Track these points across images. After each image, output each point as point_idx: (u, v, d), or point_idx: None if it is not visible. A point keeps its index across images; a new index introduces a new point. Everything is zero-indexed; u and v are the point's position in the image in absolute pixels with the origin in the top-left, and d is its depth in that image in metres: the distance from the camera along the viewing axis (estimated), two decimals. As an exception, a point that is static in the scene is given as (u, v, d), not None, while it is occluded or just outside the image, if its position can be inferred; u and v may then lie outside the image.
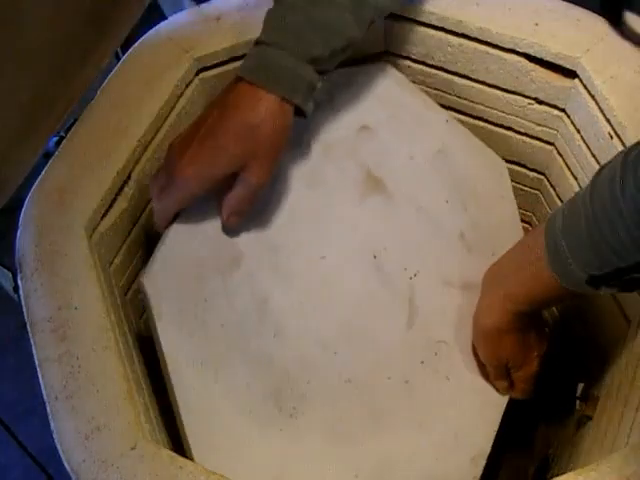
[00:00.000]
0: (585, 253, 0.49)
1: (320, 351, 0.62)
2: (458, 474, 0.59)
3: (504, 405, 0.63)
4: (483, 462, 0.60)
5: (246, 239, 0.63)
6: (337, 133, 0.72)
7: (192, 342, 0.58)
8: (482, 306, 0.63)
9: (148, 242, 0.69)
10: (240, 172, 0.57)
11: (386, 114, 0.74)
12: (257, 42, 0.57)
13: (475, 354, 0.65)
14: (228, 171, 0.56)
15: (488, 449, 0.60)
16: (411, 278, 0.67)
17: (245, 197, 0.58)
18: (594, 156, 0.65)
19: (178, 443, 0.57)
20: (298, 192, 0.67)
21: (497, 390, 0.64)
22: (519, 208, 0.78)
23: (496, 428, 0.62)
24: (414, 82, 0.77)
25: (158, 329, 0.57)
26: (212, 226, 0.62)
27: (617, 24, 0.27)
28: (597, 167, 0.50)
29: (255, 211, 0.63)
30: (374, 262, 0.67)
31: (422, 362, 0.64)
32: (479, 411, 0.62)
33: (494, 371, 0.63)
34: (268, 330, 0.61)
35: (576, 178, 0.70)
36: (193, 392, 0.57)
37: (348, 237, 0.67)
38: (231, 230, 0.62)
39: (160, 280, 0.59)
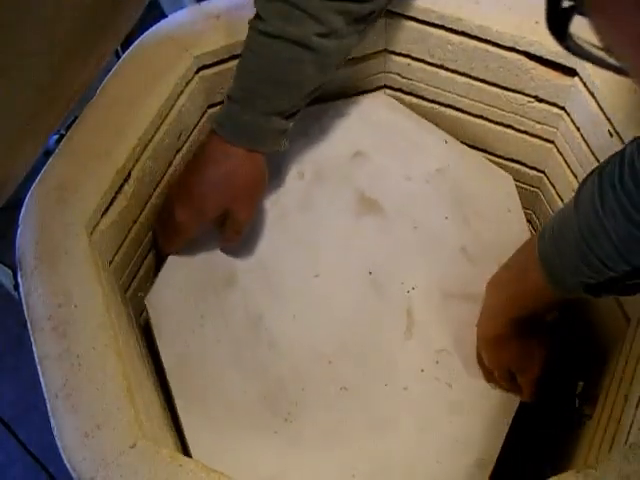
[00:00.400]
0: (576, 265, 0.51)
1: (314, 361, 0.64)
2: (463, 478, 0.59)
3: (513, 410, 0.63)
4: (490, 466, 0.59)
5: (241, 261, 0.69)
6: (331, 159, 0.75)
7: (190, 356, 0.63)
8: (484, 314, 0.65)
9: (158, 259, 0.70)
10: (227, 211, 0.64)
11: (381, 140, 0.76)
12: (228, 96, 0.62)
13: (480, 361, 0.65)
14: (214, 215, 0.64)
15: (495, 453, 0.60)
16: (408, 292, 0.68)
17: (234, 231, 0.67)
18: (594, 154, 0.65)
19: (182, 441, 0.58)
20: (291, 215, 0.71)
21: (507, 392, 0.65)
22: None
23: (504, 433, 0.61)
24: (414, 80, 0.77)
25: (158, 344, 0.63)
26: (209, 250, 0.69)
27: (562, 40, 0.27)
28: (597, 165, 0.50)
29: (250, 235, 0.69)
30: (369, 278, 0.69)
31: (422, 370, 0.64)
32: (485, 416, 0.62)
33: (499, 376, 0.64)
34: (262, 343, 0.65)
35: (576, 176, 0.70)
36: (191, 400, 0.61)
37: (342, 256, 0.70)
38: (227, 253, 0.69)
39: (161, 300, 0.65)
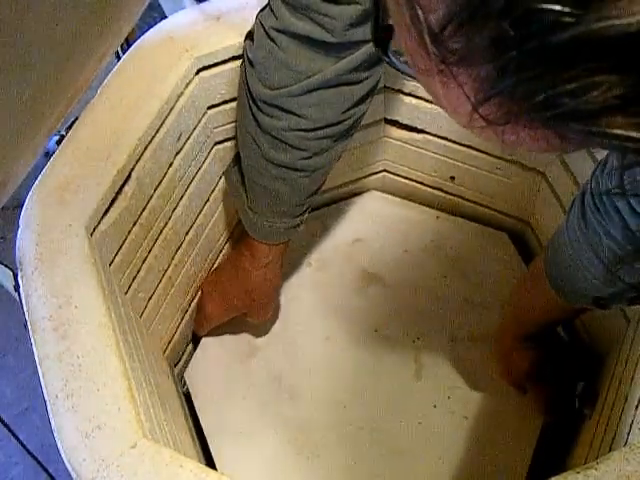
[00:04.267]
0: (582, 285, 0.54)
1: (331, 407, 0.71)
2: None
3: (535, 435, 0.67)
4: None
5: (260, 336, 0.80)
6: (334, 248, 0.84)
7: (222, 413, 0.73)
8: (499, 336, 0.69)
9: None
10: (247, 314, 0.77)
11: (378, 226, 0.85)
12: (249, 207, 0.70)
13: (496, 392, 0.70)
14: (234, 315, 0.77)
15: (522, 473, 0.63)
16: (414, 341, 0.73)
17: (253, 326, 0.79)
18: (592, 155, 0.65)
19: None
20: (301, 295, 0.81)
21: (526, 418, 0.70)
22: (518, 207, 0.79)
23: (528, 457, 0.64)
24: (413, 81, 0.77)
25: (197, 409, 0.73)
26: (234, 331, 0.80)
27: (385, 54, 0.29)
28: (594, 166, 0.50)
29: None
30: (375, 335, 0.76)
31: (435, 406, 0.68)
32: (506, 444, 0.66)
33: (515, 385, 0.69)
34: (283, 397, 0.73)
35: (575, 177, 0.70)
36: (225, 445, 0.70)
37: (348, 320, 0.77)
38: (248, 331, 0.81)
39: (197, 374, 0.76)
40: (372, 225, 0.85)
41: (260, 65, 0.60)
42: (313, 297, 0.80)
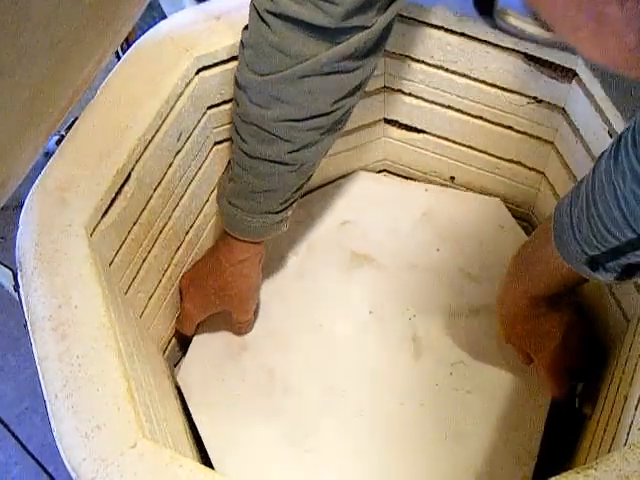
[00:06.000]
0: (584, 231, 0.50)
1: (328, 394, 0.68)
2: (503, 476, 0.60)
3: (546, 404, 0.64)
4: (531, 462, 0.60)
5: (250, 332, 0.77)
6: (320, 234, 0.81)
7: (215, 409, 0.71)
8: (502, 288, 0.65)
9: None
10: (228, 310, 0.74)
11: (365, 207, 0.82)
12: (228, 200, 0.68)
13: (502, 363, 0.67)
14: (214, 311, 0.75)
15: (534, 449, 0.61)
16: (410, 319, 0.71)
17: (237, 326, 0.75)
18: (592, 155, 0.65)
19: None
20: (289, 284, 0.78)
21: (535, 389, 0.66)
22: (518, 207, 0.78)
23: (540, 428, 0.62)
24: (414, 81, 0.77)
25: (190, 408, 0.71)
26: (225, 328, 0.76)
27: (491, 18, 0.28)
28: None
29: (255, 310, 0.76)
30: (370, 317, 0.73)
31: (437, 384, 0.66)
32: (515, 415, 0.63)
33: (517, 350, 0.64)
34: (277, 391, 0.70)
35: (575, 177, 0.70)
36: (219, 440, 0.69)
37: (341, 305, 0.75)
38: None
39: (189, 374, 0.74)
40: (359, 205, 0.83)
41: (251, 49, 0.60)
42: (302, 286, 0.78)
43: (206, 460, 0.68)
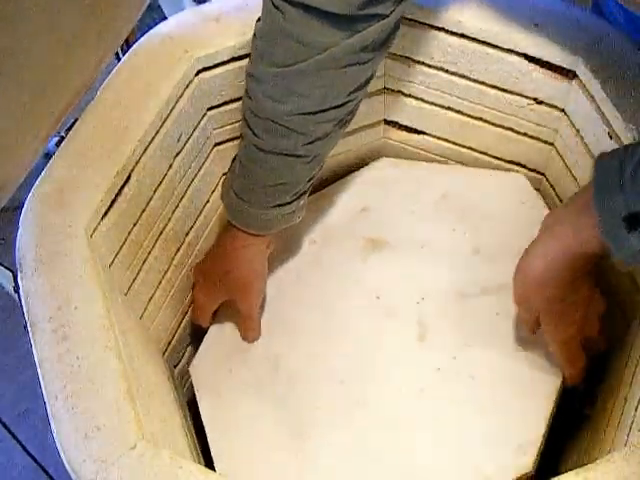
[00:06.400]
0: (628, 185, 0.46)
1: (327, 384, 0.67)
2: (504, 467, 0.57)
3: (553, 391, 0.60)
4: (533, 450, 0.57)
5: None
6: (338, 222, 0.79)
7: (221, 398, 0.70)
8: (532, 248, 0.58)
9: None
10: (234, 301, 0.73)
11: (385, 192, 0.80)
12: (234, 191, 0.67)
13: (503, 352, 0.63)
14: (221, 299, 0.74)
15: (537, 437, 0.58)
16: (418, 303, 0.69)
17: (243, 320, 0.74)
18: (593, 156, 0.65)
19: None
20: (304, 272, 0.77)
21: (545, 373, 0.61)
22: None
23: (546, 414, 0.58)
24: (414, 83, 0.77)
25: (197, 398, 0.71)
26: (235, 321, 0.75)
27: None
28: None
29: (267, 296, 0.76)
30: (377, 302, 0.71)
31: (438, 369, 0.64)
32: (520, 401, 0.60)
33: (523, 315, 0.59)
34: (281, 379, 0.69)
35: (575, 178, 0.70)
36: (220, 431, 0.68)
37: (351, 291, 0.73)
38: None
39: (200, 364, 0.74)
40: (380, 191, 0.80)
41: (265, 40, 0.59)
42: (316, 274, 0.76)
43: (207, 461, 0.68)
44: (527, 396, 0.61)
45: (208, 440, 0.67)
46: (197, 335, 0.80)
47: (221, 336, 0.76)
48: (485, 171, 0.78)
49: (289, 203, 0.67)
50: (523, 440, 0.59)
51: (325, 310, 0.73)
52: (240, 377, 0.71)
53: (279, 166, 0.64)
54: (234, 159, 0.69)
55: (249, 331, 0.74)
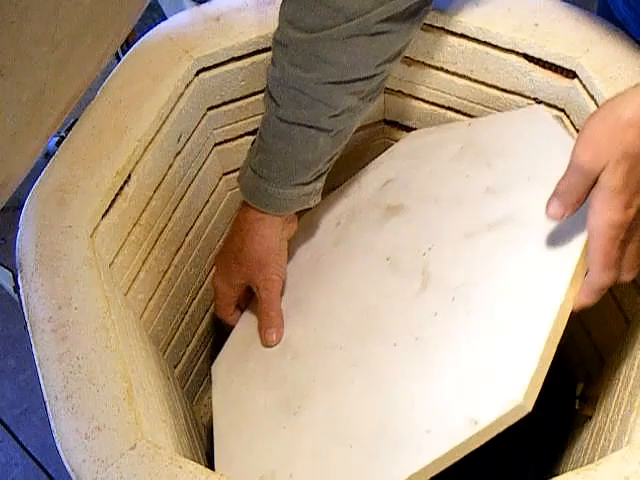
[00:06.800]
0: None
1: (326, 353, 0.64)
2: (495, 403, 0.49)
3: (553, 318, 0.52)
4: (526, 382, 0.49)
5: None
6: (362, 197, 0.77)
7: (233, 390, 0.69)
8: (632, 90, 0.47)
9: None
10: (253, 287, 0.70)
11: (409, 162, 0.76)
12: (251, 168, 0.66)
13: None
14: (239, 284, 0.71)
15: (528, 374, 0.49)
16: (425, 254, 0.64)
17: (263, 310, 0.69)
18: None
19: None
20: (325, 252, 0.74)
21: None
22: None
23: (541, 346, 0.50)
24: (414, 82, 0.77)
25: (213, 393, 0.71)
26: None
27: None
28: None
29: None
30: (386, 263, 0.67)
31: (435, 314, 0.59)
32: (517, 334, 0.53)
33: (572, 176, 0.47)
34: (287, 356, 0.67)
35: (576, 178, 0.70)
36: (225, 413, 0.68)
37: (363, 259, 0.70)
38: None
39: (220, 366, 0.73)
40: (404, 161, 0.77)
41: (294, 3, 0.58)
42: (336, 254, 0.73)
43: (208, 461, 0.68)
44: (523, 327, 0.53)
45: (214, 434, 0.66)
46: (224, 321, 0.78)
47: (245, 334, 0.74)
48: (505, 114, 0.72)
49: (308, 183, 0.66)
50: (516, 373, 0.50)
51: (335, 286, 0.70)
52: (253, 365, 0.69)
53: (302, 139, 0.62)
54: (253, 142, 0.67)
55: (268, 325, 0.69)
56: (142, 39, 0.70)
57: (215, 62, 0.69)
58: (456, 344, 0.55)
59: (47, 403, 0.50)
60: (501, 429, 0.49)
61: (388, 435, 0.55)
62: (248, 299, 0.76)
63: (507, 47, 0.67)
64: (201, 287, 0.82)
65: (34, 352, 0.52)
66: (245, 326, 0.75)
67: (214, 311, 0.76)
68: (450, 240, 0.64)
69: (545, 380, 0.58)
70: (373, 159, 0.86)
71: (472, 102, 0.75)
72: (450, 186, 0.69)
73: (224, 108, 0.74)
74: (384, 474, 0.53)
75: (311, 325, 0.68)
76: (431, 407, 0.54)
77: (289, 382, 0.65)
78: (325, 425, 0.59)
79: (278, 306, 0.70)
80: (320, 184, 0.68)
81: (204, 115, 0.73)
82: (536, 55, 0.66)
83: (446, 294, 0.60)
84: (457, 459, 0.50)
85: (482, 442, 0.49)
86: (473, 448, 0.49)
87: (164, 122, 0.66)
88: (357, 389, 0.60)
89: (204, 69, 0.69)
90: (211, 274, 0.84)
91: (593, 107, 0.63)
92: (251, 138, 0.79)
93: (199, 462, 0.58)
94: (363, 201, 0.76)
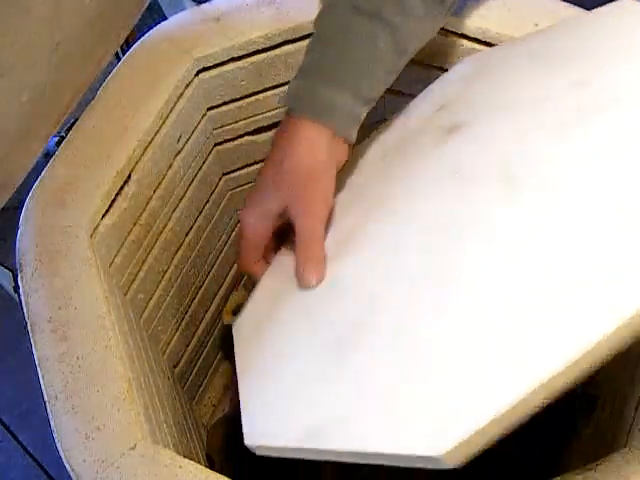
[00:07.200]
0: None
1: (389, 282, 0.51)
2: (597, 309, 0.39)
3: None
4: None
5: None
6: (414, 124, 0.67)
7: (260, 335, 0.57)
8: None
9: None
10: (290, 218, 0.57)
11: (464, 85, 0.67)
12: (300, 70, 0.58)
13: None
14: (272, 211, 0.57)
15: None
16: (504, 160, 0.53)
17: (303, 242, 0.56)
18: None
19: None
20: (369, 185, 0.63)
21: None
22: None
23: None
24: (413, 82, 0.77)
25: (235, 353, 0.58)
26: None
27: None
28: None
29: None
30: (452, 180, 0.55)
31: (528, 219, 0.47)
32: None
33: None
34: (332, 294, 0.55)
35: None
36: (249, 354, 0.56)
37: (422, 181, 0.58)
38: None
39: (248, 320, 0.60)
40: (455, 90, 0.68)
41: None
42: (388, 174, 0.62)
43: (209, 461, 0.68)
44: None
45: (240, 397, 0.54)
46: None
47: (274, 287, 0.61)
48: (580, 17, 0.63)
49: (358, 100, 0.57)
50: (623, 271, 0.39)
51: (392, 214, 0.57)
52: (287, 315, 0.57)
53: (361, 33, 0.56)
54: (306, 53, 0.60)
55: (309, 259, 0.56)
56: (142, 39, 0.70)
57: (215, 62, 0.69)
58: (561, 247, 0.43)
59: (47, 403, 0.50)
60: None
61: (489, 350, 0.41)
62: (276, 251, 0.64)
63: (507, 47, 0.67)
64: (201, 287, 0.82)
65: (34, 352, 0.52)
66: (272, 280, 0.62)
67: (236, 261, 0.63)
68: (537, 138, 0.52)
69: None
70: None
71: (472, 102, 0.75)
72: (525, 91, 0.59)
73: (224, 108, 0.74)
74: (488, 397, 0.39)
75: (366, 257, 0.55)
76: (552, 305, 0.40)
77: (338, 322, 0.52)
78: (390, 360, 0.47)
79: (321, 237, 0.57)
80: (364, 113, 0.59)
81: (204, 115, 0.73)
82: (536, 55, 0.66)
83: (533, 207, 0.47)
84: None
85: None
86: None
87: (164, 122, 0.66)
88: (443, 311, 0.46)
89: (204, 69, 0.69)
90: (211, 274, 0.84)
91: (593, 107, 0.63)
92: (251, 138, 0.79)
93: (199, 462, 0.58)
94: (413, 130, 0.66)
